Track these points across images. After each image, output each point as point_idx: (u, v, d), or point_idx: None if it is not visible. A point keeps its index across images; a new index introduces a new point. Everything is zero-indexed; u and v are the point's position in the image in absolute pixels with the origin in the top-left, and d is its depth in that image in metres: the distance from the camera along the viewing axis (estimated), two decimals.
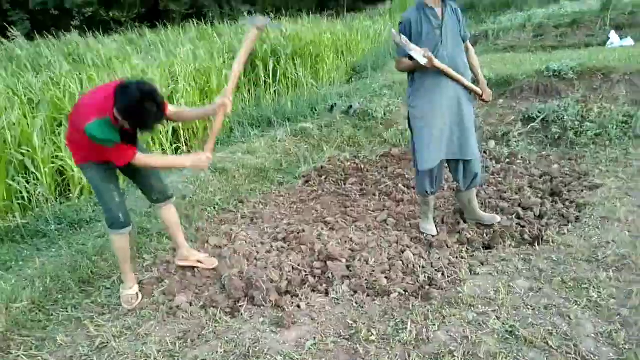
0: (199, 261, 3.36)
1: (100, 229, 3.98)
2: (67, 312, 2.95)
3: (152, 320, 2.81)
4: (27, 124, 4.76)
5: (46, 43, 10.58)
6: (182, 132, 6.44)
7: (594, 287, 2.66)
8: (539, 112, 5.98)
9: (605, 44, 10.90)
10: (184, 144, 6.53)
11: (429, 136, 3.41)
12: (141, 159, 2.74)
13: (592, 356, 2.17)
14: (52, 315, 2.94)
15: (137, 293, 3.06)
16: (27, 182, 4.53)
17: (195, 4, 24.68)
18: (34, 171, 4.55)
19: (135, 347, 2.54)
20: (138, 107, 2.37)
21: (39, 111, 5.13)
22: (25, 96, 5.65)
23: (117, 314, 2.93)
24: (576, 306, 2.52)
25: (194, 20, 17.21)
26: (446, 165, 3.75)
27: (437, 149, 3.44)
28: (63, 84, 5.90)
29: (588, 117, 5.63)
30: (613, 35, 11.03)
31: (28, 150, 4.62)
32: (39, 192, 4.45)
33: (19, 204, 4.35)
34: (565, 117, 5.70)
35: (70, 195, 4.82)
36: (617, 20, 12.22)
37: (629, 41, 10.61)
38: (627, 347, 2.20)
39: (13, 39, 10.57)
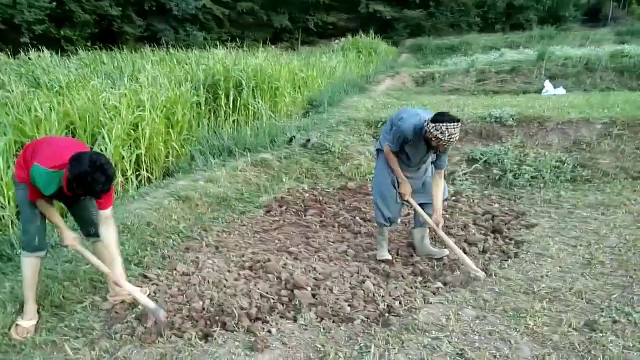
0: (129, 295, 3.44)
1: (67, 253, 4.02)
2: (42, 336, 3.01)
3: (128, 344, 2.92)
4: None
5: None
6: (144, 158, 6.51)
7: (530, 316, 3.05)
8: (482, 155, 6.57)
9: (541, 91, 11.97)
10: (144, 170, 6.59)
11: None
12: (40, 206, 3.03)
13: None
14: (23, 341, 2.98)
15: (33, 326, 3.10)
16: None
17: (150, 27, 24.62)
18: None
19: None
20: (87, 177, 2.66)
21: (1, 134, 5.10)
22: None
23: (92, 338, 3.01)
24: (516, 332, 2.89)
25: (150, 44, 17.25)
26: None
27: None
28: (22, 107, 5.87)
29: (525, 161, 6.26)
30: (548, 85, 12.15)
31: None
32: (2, 216, 4.43)
33: None
34: (505, 160, 6.31)
35: None
36: (552, 71, 13.46)
37: (561, 90, 11.74)
38: None
39: None
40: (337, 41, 24.31)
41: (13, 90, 6.52)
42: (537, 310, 3.11)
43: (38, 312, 3.20)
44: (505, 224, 4.80)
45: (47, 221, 3.21)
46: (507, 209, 5.27)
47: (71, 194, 2.81)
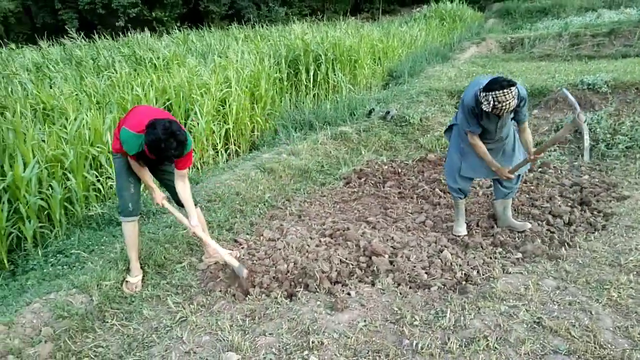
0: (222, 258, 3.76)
1: (166, 219, 4.47)
2: (147, 291, 3.43)
3: (222, 300, 3.25)
4: (99, 124, 5.29)
5: (102, 43, 11.28)
6: (232, 133, 6.91)
7: (614, 288, 2.97)
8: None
9: None
10: (232, 144, 7.00)
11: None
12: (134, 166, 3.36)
13: (609, 345, 2.49)
14: (133, 294, 3.42)
15: (139, 281, 3.52)
16: (101, 175, 5.06)
17: (233, 5, 25.34)
18: (106, 166, 5.08)
19: (210, 321, 2.98)
20: (160, 144, 2.91)
21: (108, 111, 5.67)
22: (93, 97, 6.22)
23: (190, 294, 3.39)
24: (597, 304, 2.84)
25: (234, 21, 17.82)
26: None
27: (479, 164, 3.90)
28: (125, 86, 6.44)
29: (620, 130, 5.86)
30: None
31: (100, 147, 5.14)
32: (110, 185, 4.98)
33: (95, 195, 4.88)
34: (597, 130, 5.94)
35: None
36: None
37: None
38: None
39: (72, 40, 11.27)
40: (418, 9, 23.57)
41: (117, 71, 7.13)
42: (623, 282, 3.02)
43: (142, 269, 3.62)
44: (594, 196, 4.59)
45: (140, 189, 3.58)
46: (597, 180, 5.02)
47: (154, 156, 3.09)
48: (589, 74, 7.33)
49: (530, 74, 8.70)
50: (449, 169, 4.14)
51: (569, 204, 4.48)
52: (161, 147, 2.92)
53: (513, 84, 3.30)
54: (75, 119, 5.24)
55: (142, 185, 3.62)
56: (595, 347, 2.48)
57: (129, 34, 13.02)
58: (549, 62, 10.88)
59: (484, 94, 3.36)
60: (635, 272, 3.13)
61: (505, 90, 3.27)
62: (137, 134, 3.08)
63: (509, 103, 3.31)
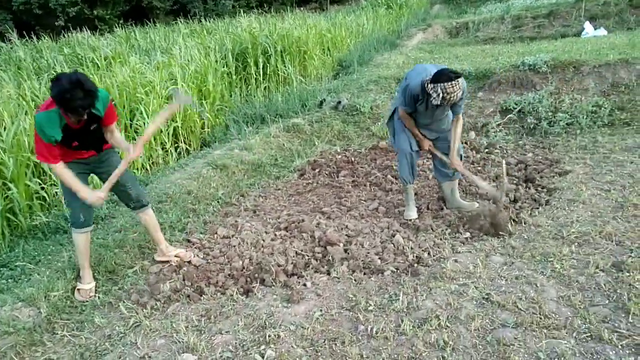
0: (176, 255, 3.76)
1: (115, 224, 4.34)
2: (99, 298, 3.34)
3: (176, 302, 3.20)
4: None
5: (42, 44, 10.78)
6: (180, 130, 6.77)
7: (557, 259, 3.11)
8: (516, 104, 6.45)
9: (580, 34, 11.39)
10: (182, 142, 6.86)
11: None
12: (55, 170, 3.09)
13: (553, 315, 2.61)
14: (86, 301, 3.32)
15: (92, 288, 3.43)
16: (44, 183, 4.85)
17: (178, 0, 24.74)
18: (50, 173, 4.87)
19: (165, 324, 2.93)
20: (65, 94, 2.69)
21: None
22: (32, 101, 5.94)
23: (143, 299, 3.31)
24: (542, 276, 2.97)
25: (180, 16, 17.40)
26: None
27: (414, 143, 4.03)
28: None
29: (560, 108, 6.11)
30: (587, 26, 11.52)
31: None
32: (55, 192, 4.79)
33: (40, 204, 4.68)
34: (539, 109, 6.18)
35: None
36: (592, 11, 12.74)
37: (602, 31, 11.12)
38: (582, 307, 2.65)
39: (10, 41, 10.72)
40: None
41: (57, 71, 6.83)
42: (565, 254, 3.16)
43: (93, 277, 3.51)
44: (538, 172, 4.78)
45: None
46: (540, 157, 5.22)
47: (78, 125, 2.94)
48: (530, 55, 7.58)
49: (475, 58, 8.92)
50: (400, 157, 4.17)
51: (515, 182, 4.65)
52: (67, 97, 2.70)
53: (459, 76, 3.41)
54: (12, 124, 4.99)
55: None
56: (540, 318, 2.59)
57: (69, 33, 12.50)
58: (493, 45, 11.17)
59: (432, 86, 3.43)
60: (576, 244, 3.28)
61: (452, 82, 3.36)
62: (48, 110, 2.88)
63: (456, 94, 3.41)
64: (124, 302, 3.26)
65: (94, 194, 3.16)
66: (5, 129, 4.96)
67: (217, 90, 7.82)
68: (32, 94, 6.24)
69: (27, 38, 12.12)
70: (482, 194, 4.42)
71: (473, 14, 17.21)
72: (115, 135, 3.32)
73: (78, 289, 3.41)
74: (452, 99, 3.42)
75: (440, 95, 3.39)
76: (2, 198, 4.36)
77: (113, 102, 3.39)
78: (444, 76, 3.38)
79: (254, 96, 8.65)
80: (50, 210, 4.70)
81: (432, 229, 3.90)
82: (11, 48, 10.39)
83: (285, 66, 9.53)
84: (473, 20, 15.01)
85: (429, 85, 3.45)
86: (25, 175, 4.62)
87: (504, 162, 4.17)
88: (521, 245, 3.41)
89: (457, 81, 3.37)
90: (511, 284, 2.93)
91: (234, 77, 8.78)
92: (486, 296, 2.83)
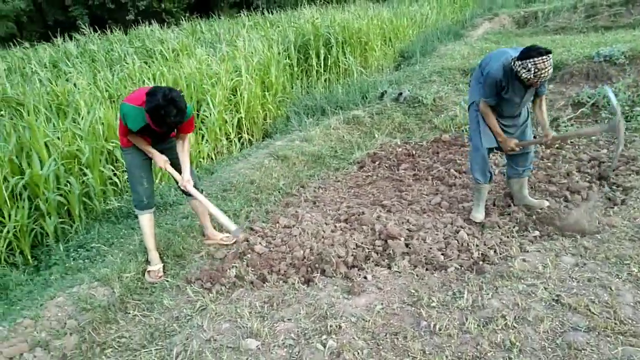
0: (221, 239, 3.96)
1: (183, 210, 4.51)
2: (167, 281, 3.49)
3: (240, 288, 3.29)
4: (112, 118, 5.34)
5: (114, 37, 11.34)
6: (244, 121, 6.93)
7: (634, 262, 2.93)
8: (589, 98, 6.10)
9: None
10: (245, 133, 7.02)
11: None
12: (133, 139, 3.37)
13: (629, 321, 2.46)
14: (155, 283, 3.49)
15: (161, 269, 3.61)
16: (117, 170, 5.13)
17: None
18: (122, 160, 5.13)
19: (230, 309, 3.02)
20: (160, 110, 2.96)
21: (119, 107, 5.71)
22: (106, 91, 6.27)
23: (210, 283, 3.43)
24: (617, 279, 2.81)
25: (242, 9, 17.72)
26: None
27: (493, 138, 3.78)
28: (137, 79, 6.48)
29: (639, 102, 5.71)
30: None
31: (114, 142, 5.20)
32: (127, 178, 5.03)
33: (113, 189, 4.95)
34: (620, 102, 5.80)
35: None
36: None
37: None
38: None
39: (84, 34, 11.35)
40: None
41: (128, 63, 7.17)
42: None
43: (162, 260, 3.69)
44: (613, 170, 4.50)
45: (153, 182, 3.67)
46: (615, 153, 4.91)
47: (158, 129, 3.15)
48: (605, 46, 7.13)
49: None
50: (475, 155, 3.95)
51: (587, 179, 4.41)
52: (161, 114, 2.98)
53: (550, 51, 3.23)
54: (88, 114, 5.30)
55: (155, 178, 3.67)
56: (615, 323, 2.46)
57: (139, 27, 13.05)
58: (564, 36, 10.60)
59: (520, 63, 3.26)
60: None
61: (544, 57, 3.19)
62: (138, 107, 3.12)
63: (548, 70, 3.23)
64: (191, 285, 3.39)
65: (162, 159, 3.48)
66: (82, 118, 5.27)
67: (280, 82, 7.92)
68: (106, 85, 6.57)
69: (100, 32, 12.79)
70: (553, 190, 4.22)
71: (542, 3, 16.33)
72: (186, 145, 3.56)
73: (148, 271, 3.59)
74: (543, 75, 3.22)
75: (532, 71, 3.20)
76: (79, 183, 4.64)
77: (194, 116, 3.60)
78: (534, 52, 3.21)
79: (315, 88, 8.70)
80: (123, 195, 4.95)
81: (498, 226, 3.78)
82: (86, 42, 11.04)
83: (346, 57, 9.49)
84: (542, 9, 14.26)
85: (517, 62, 3.29)
86: (100, 162, 4.89)
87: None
88: (594, 246, 3.23)
89: (549, 56, 3.19)
90: (583, 286, 2.80)
91: (295, 68, 8.86)
92: (556, 298, 2.71)
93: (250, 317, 2.90)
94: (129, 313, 3.18)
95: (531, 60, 3.19)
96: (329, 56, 9.36)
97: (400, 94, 7.32)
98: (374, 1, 19.73)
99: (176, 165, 3.60)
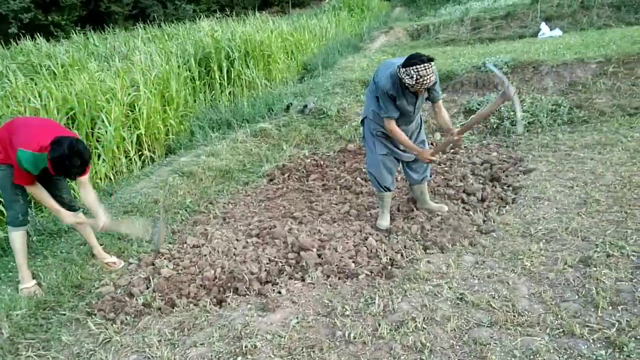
0: (107, 263, 3.79)
1: (79, 236, 4.18)
2: (65, 315, 3.19)
3: (147, 315, 3.10)
4: None
5: None
6: (144, 138, 6.60)
7: (527, 257, 3.18)
8: (479, 105, 6.59)
9: (537, 35, 11.77)
10: (146, 150, 6.69)
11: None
12: (33, 191, 3.35)
13: (526, 312, 2.66)
14: (51, 318, 3.18)
15: (36, 284, 3.50)
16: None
17: (137, 4, 24.19)
18: None
19: (137, 339, 2.84)
20: (65, 161, 3.00)
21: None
22: None
23: (112, 314, 3.19)
24: (513, 274, 3.03)
25: (140, 21, 17.01)
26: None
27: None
28: (22, 97, 5.93)
29: (522, 107, 6.26)
30: (544, 27, 11.92)
31: None
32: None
33: None
34: (502, 108, 6.31)
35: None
36: (547, 12, 13.16)
37: (557, 32, 11.52)
38: (553, 303, 2.71)
39: None
40: (327, 1, 23.81)
41: (11, 81, 6.53)
42: (534, 251, 3.24)
43: (58, 291, 3.43)
44: (503, 171, 4.88)
45: (27, 198, 3.53)
46: (505, 156, 5.34)
47: (56, 173, 3.11)
48: (490, 56, 7.77)
49: (437, 59, 9.03)
50: (374, 169, 4.02)
51: (481, 181, 4.74)
52: (65, 164, 3.00)
53: (432, 59, 3.33)
54: None
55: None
56: (514, 316, 2.64)
57: (24, 40, 12.03)
58: (453, 47, 11.40)
59: (404, 70, 3.34)
60: (544, 240, 3.37)
61: (425, 65, 3.28)
62: (37, 153, 3.07)
63: (430, 77, 3.31)
64: (92, 317, 3.13)
65: (68, 214, 3.44)
66: None
67: (181, 96, 7.67)
68: None
69: None
70: (451, 193, 4.47)
71: (433, 17, 17.49)
72: (88, 191, 3.52)
73: (22, 289, 3.43)
74: (425, 82, 3.31)
75: (415, 77, 3.29)
76: None
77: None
78: (416, 59, 3.30)
79: (219, 101, 8.54)
80: (2, 225, 4.48)
81: (403, 230, 3.93)
82: None
83: (249, 70, 9.44)
84: (433, 22, 15.26)
85: (401, 70, 3.36)
86: None
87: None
88: (491, 244, 3.47)
89: (430, 63, 3.30)
90: (484, 283, 2.98)
91: (197, 82, 8.63)
92: (460, 296, 2.86)
93: (160, 345, 2.74)
94: (22, 355, 2.86)
95: (414, 67, 3.29)
96: (232, 69, 9.25)
97: (306, 106, 7.41)
98: (274, 15, 19.92)
99: (60, 197, 3.56)
